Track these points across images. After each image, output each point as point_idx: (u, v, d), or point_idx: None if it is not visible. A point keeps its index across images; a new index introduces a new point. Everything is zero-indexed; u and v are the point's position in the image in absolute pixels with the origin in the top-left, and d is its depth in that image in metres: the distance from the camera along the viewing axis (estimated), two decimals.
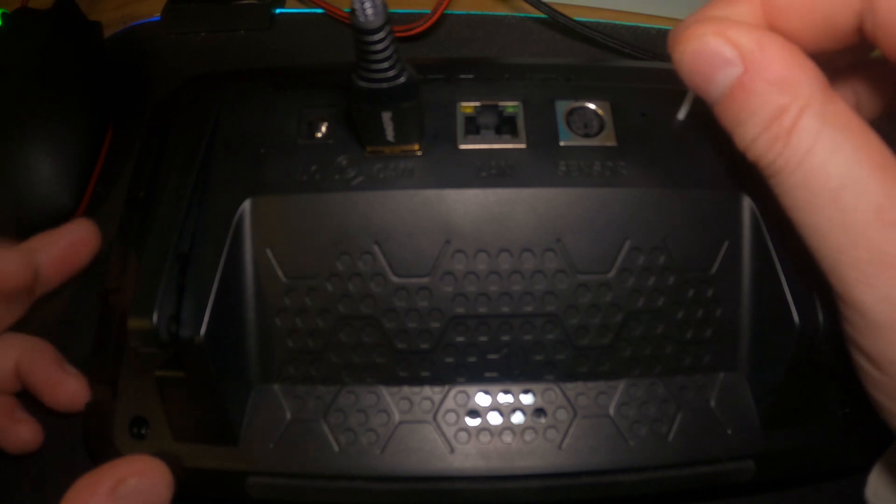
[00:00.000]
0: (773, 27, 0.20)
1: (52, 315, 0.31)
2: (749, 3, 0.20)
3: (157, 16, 0.39)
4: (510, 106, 0.25)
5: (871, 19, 0.19)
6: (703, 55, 0.19)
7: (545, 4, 0.36)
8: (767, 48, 0.19)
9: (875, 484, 0.25)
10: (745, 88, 0.19)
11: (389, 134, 0.24)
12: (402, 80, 0.21)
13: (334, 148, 0.25)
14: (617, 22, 0.38)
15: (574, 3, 0.39)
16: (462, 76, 0.27)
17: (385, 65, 0.21)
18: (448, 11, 0.38)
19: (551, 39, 0.38)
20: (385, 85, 0.21)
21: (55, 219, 0.30)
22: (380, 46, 0.20)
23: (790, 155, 0.18)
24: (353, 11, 0.19)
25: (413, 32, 0.37)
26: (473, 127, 0.25)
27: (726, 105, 0.20)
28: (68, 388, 0.26)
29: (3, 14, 0.34)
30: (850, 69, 0.23)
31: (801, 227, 0.19)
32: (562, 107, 0.25)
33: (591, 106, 0.25)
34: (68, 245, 0.28)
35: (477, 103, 0.25)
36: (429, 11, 0.37)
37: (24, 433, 0.27)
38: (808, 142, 0.18)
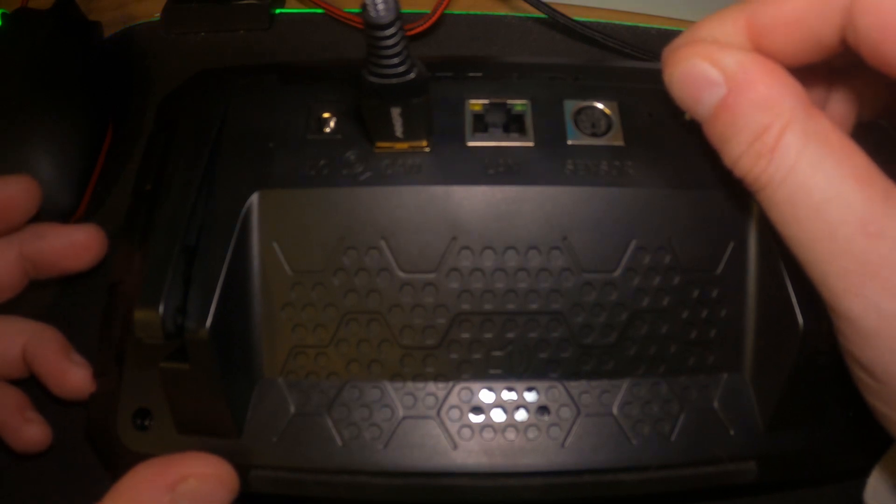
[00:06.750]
0: (759, 46, 0.21)
1: (59, 305, 0.31)
2: (735, 23, 0.21)
3: (157, 16, 0.39)
4: (518, 104, 0.25)
5: (852, 34, 0.19)
6: (690, 77, 0.20)
7: (545, 4, 0.36)
8: (750, 69, 0.20)
9: (874, 486, 0.25)
10: (729, 108, 0.20)
11: (398, 130, 0.24)
12: (412, 76, 0.21)
13: (343, 143, 0.25)
14: (617, 22, 0.38)
15: (574, 3, 0.39)
16: (471, 74, 0.27)
17: (395, 60, 0.21)
18: (448, 11, 0.38)
19: (551, 39, 0.38)
20: (395, 81, 0.21)
21: (55, 219, 0.30)
22: (390, 42, 0.20)
23: (774, 171, 0.19)
24: (364, 7, 0.19)
25: (413, 32, 0.37)
26: (482, 124, 0.25)
27: (713, 124, 0.21)
28: (74, 377, 0.26)
29: (3, 14, 0.34)
30: (850, 70, 0.23)
31: (789, 240, 0.20)
32: (570, 106, 0.25)
33: (599, 105, 0.26)
34: (73, 241, 0.28)
35: (485, 101, 0.25)
36: (428, 11, 0.37)
37: (34, 434, 0.27)
38: (791, 158, 0.19)
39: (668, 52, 0.22)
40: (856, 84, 0.24)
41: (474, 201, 0.24)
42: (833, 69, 0.23)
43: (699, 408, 0.24)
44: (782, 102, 0.19)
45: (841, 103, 0.24)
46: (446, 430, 0.24)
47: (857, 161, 0.19)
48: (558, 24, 0.37)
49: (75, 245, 0.28)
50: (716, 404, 0.24)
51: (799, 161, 0.19)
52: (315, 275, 0.24)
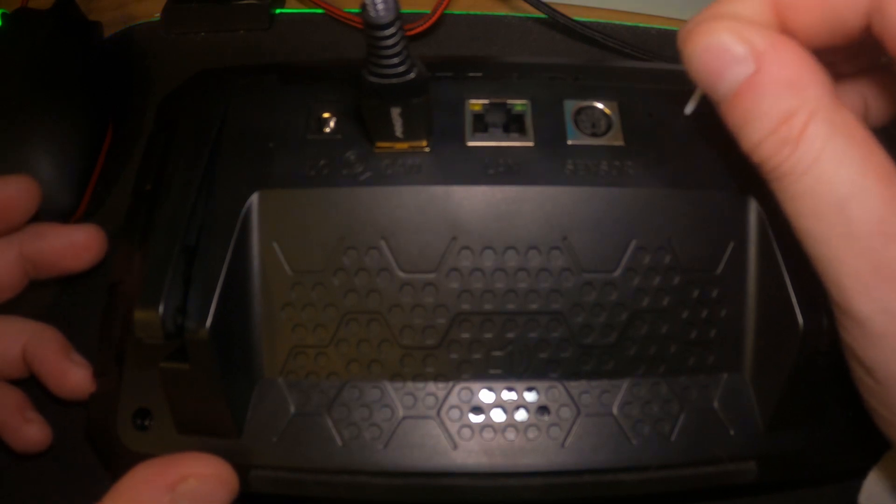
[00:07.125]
0: (782, 24, 0.20)
1: (59, 305, 0.31)
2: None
3: (157, 16, 0.39)
4: (518, 104, 0.25)
5: (878, 20, 0.19)
6: (714, 51, 0.19)
7: (545, 4, 0.36)
8: (780, 49, 0.19)
9: (869, 489, 0.25)
10: (755, 88, 0.19)
11: (398, 130, 0.24)
12: (412, 76, 0.21)
13: (343, 143, 0.25)
14: (617, 22, 0.38)
15: (574, 3, 0.39)
16: (471, 74, 0.27)
17: (395, 60, 0.21)
18: (448, 11, 0.38)
19: (551, 39, 0.38)
20: (395, 81, 0.21)
21: (55, 219, 0.30)
22: (390, 42, 0.20)
23: (797, 161, 0.18)
24: (364, 7, 0.19)
25: (413, 32, 0.37)
26: (482, 124, 0.25)
27: (734, 104, 0.19)
28: (74, 377, 0.26)
29: (3, 14, 0.34)
30: (859, 75, 0.23)
31: (803, 233, 0.19)
32: (570, 106, 0.25)
33: (599, 105, 0.26)
34: (73, 241, 0.28)
35: (485, 101, 0.26)
36: (429, 11, 0.37)
37: (34, 434, 0.27)
38: (817, 149, 0.18)
39: (689, 26, 0.20)
40: (866, 90, 0.23)
41: (474, 201, 0.24)
42: (842, 73, 0.23)
43: (699, 408, 0.24)
44: (810, 88, 0.18)
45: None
46: (446, 430, 0.24)
47: (879, 159, 0.18)
48: (558, 24, 0.37)
49: (75, 245, 0.28)
50: (716, 404, 0.24)
51: (824, 153, 0.18)
52: (315, 275, 0.24)
